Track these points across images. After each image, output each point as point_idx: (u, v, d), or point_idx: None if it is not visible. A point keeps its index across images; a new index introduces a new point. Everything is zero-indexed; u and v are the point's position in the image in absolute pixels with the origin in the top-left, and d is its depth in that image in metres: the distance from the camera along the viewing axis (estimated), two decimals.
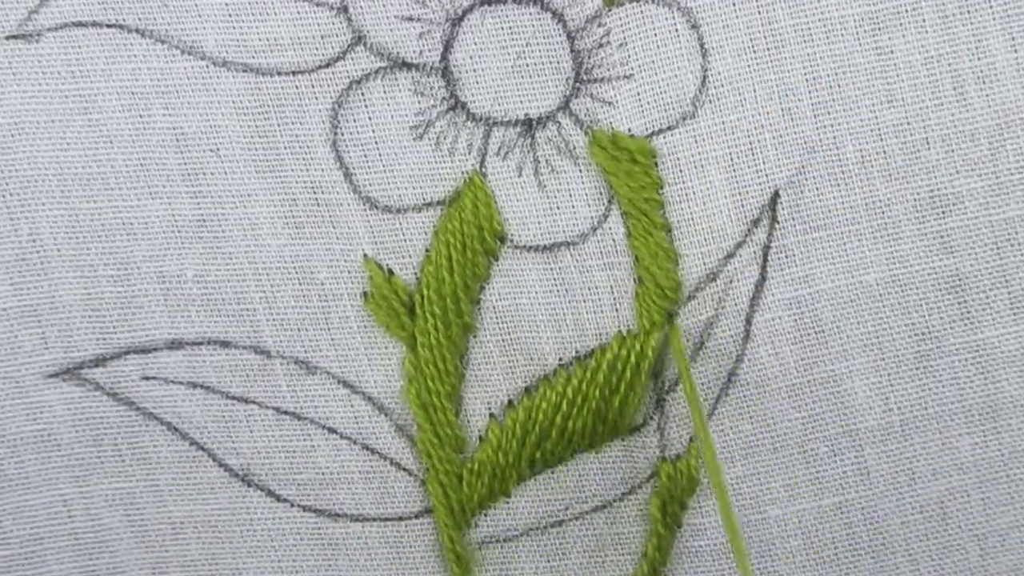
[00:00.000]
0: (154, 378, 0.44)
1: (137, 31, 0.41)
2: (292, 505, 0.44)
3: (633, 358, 0.42)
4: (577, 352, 0.43)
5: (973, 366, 0.42)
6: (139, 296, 0.43)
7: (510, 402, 0.43)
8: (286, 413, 0.44)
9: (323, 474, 0.44)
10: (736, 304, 0.42)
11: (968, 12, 0.40)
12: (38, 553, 0.45)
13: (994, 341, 0.42)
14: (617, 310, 0.43)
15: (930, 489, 0.43)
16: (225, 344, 0.43)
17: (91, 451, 0.44)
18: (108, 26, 0.41)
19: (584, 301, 0.43)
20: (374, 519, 0.44)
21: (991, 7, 0.40)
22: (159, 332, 0.43)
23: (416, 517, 0.44)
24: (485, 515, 0.44)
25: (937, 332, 0.42)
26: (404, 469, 0.44)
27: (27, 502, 0.45)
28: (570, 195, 0.42)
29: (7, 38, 0.41)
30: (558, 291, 0.43)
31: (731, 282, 0.42)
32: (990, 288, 0.41)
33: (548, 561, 0.44)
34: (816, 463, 0.43)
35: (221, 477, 0.44)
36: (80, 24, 0.41)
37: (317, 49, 0.41)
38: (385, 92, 0.41)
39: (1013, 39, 0.40)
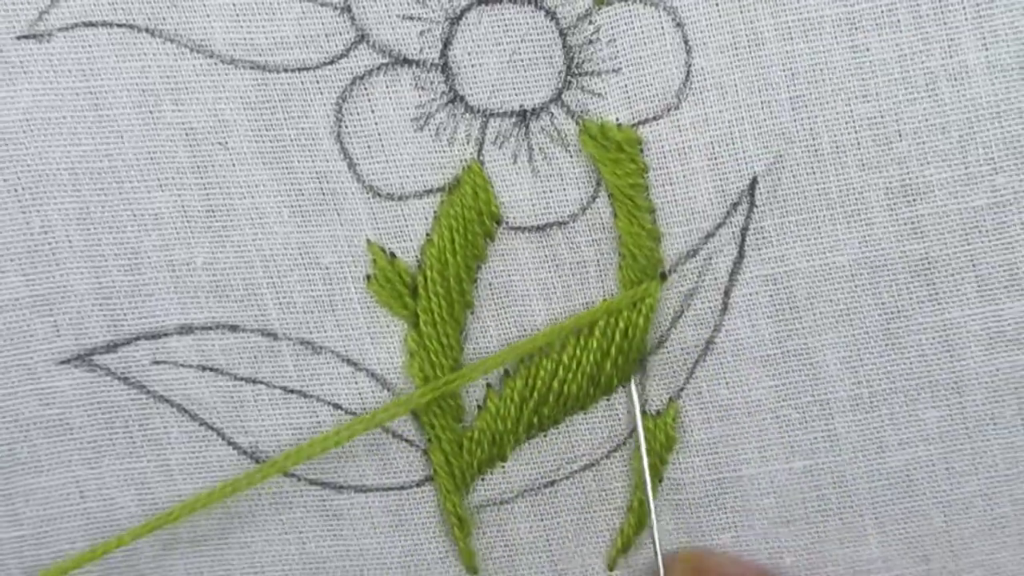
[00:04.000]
0: (164, 362, 0.45)
1: (146, 30, 0.42)
2: (299, 479, 0.47)
3: (622, 324, 0.45)
4: None
5: (939, 344, 0.45)
6: (149, 284, 0.45)
7: (507, 372, 0.46)
8: (293, 392, 0.46)
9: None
10: (715, 279, 0.45)
11: (941, 13, 0.42)
12: (51, 533, 0.47)
13: (960, 321, 0.45)
14: (603, 282, 0.45)
15: (897, 458, 0.46)
16: (233, 328, 0.45)
17: (103, 433, 0.46)
18: (118, 26, 0.42)
19: (573, 275, 0.45)
20: (377, 489, 0.47)
21: (963, 8, 0.42)
22: (169, 318, 0.45)
23: (417, 485, 0.47)
24: (483, 480, 0.47)
25: (906, 311, 0.45)
26: (406, 440, 0.46)
27: (40, 484, 0.46)
28: (561, 180, 0.44)
29: (19, 38, 0.42)
30: (549, 267, 0.45)
31: (710, 259, 0.45)
32: (957, 272, 0.44)
33: (541, 520, 0.47)
34: (788, 428, 0.46)
35: (230, 455, 0.46)
36: (90, 24, 0.42)
37: (322, 47, 0.43)
38: (387, 87, 0.43)
39: (984, 39, 0.42)
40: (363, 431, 0.44)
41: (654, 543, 0.46)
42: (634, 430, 0.46)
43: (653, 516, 0.46)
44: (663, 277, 0.45)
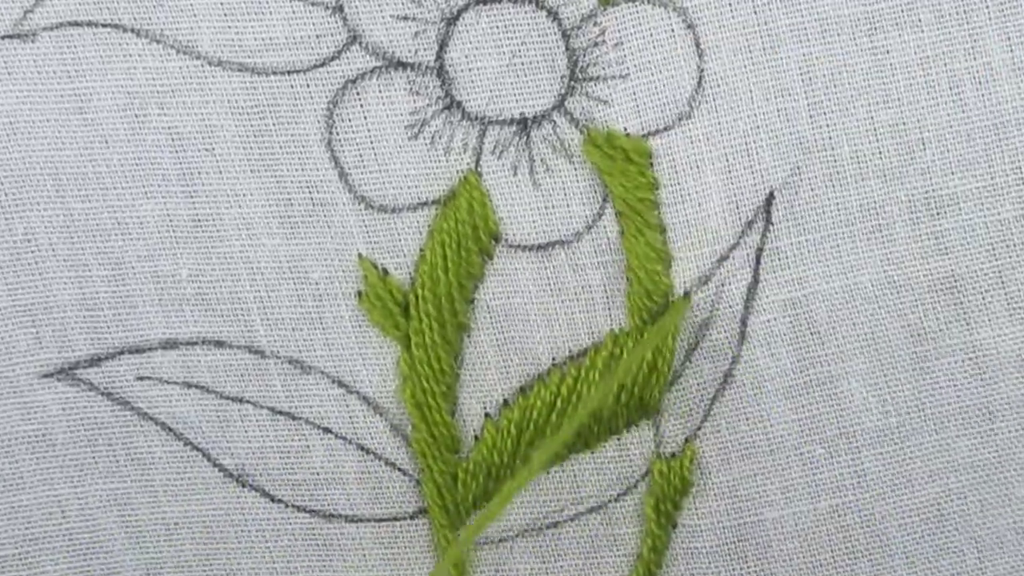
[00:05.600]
0: (148, 378, 0.44)
1: (132, 31, 0.41)
2: (287, 506, 0.44)
3: (628, 356, 0.42)
4: (570, 351, 0.43)
5: (969, 367, 0.42)
6: (133, 296, 0.43)
7: (505, 402, 0.43)
8: (281, 413, 0.44)
9: (318, 474, 0.44)
10: (730, 306, 0.42)
11: (964, 12, 0.40)
12: (33, 554, 0.45)
13: (990, 342, 0.42)
14: (610, 310, 0.42)
15: (927, 491, 0.43)
16: (220, 344, 0.43)
17: (86, 451, 0.44)
18: (103, 26, 0.41)
19: (577, 300, 0.43)
20: (369, 520, 0.44)
21: (987, 7, 0.40)
22: (153, 332, 0.43)
23: (411, 518, 0.44)
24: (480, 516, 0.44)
25: (933, 333, 0.42)
26: (399, 469, 0.44)
27: (22, 502, 0.45)
28: (565, 194, 0.42)
29: (2, 38, 0.41)
30: (552, 290, 0.43)
31: (723, 285, 0.42)
32: (986, 289, 0.41)
33: (543, 563, 0.44)
34: (813, 465, 0.43)
35: (216, 477, 0.44)
36: (75, 24, 0.41)
37: (312, 49, 0.41)
38: (380, 91, 0.41)
39: (1009, 39, 0.40)
40: None
41: None
42: (648, 472, 0.43)
43: None
44: (683, 301, 0.42)
